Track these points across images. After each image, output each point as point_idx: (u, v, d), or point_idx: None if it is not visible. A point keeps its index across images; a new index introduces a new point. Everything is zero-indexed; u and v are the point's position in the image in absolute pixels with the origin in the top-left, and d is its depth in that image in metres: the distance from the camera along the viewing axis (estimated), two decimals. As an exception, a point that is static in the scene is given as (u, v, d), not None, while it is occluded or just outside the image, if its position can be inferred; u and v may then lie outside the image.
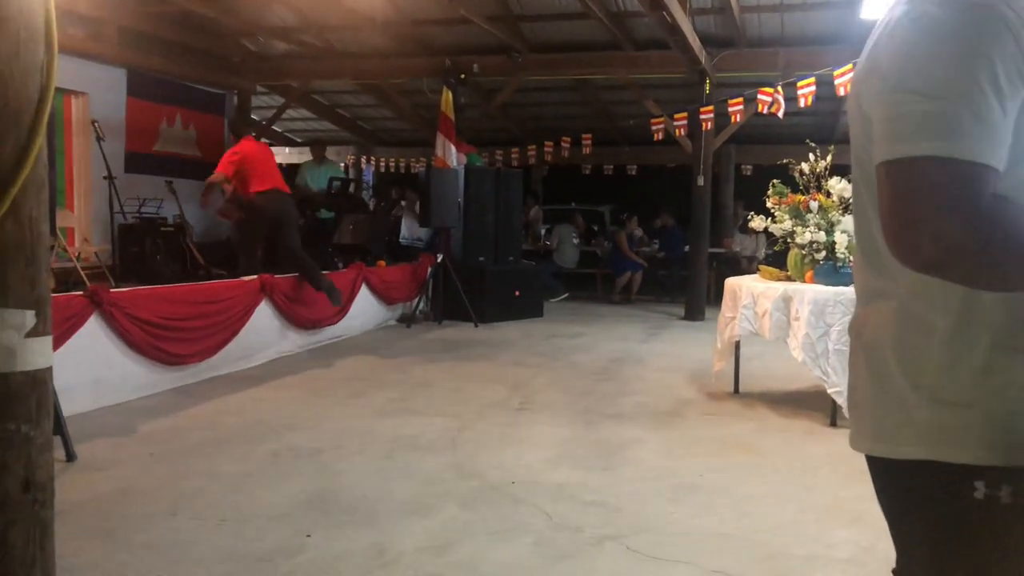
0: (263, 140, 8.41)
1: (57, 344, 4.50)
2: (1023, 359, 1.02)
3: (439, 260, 9.11)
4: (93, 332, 4.90)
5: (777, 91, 8.72)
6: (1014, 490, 1.00)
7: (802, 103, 8.65)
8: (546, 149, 12.51)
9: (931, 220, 0.91)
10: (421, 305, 9.31)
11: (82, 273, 6.98)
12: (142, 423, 4.64)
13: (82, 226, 8.82)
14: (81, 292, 4.91)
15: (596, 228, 14.84)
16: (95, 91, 9.02)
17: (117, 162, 8.30)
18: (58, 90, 7.95)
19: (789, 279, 5.20)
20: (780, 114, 8.90)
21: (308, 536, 3.08)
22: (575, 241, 12.83)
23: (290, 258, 7.21)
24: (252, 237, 7.36)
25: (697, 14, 8.86)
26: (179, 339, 5.51)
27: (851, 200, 1.26)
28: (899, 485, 1.10)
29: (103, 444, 4.20)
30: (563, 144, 12.01)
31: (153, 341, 5.27)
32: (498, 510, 3.40)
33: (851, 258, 4.85)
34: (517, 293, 9.62)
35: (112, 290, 5.17)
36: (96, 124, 7.52)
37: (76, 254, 7.87)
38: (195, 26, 9.97)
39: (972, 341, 1.03)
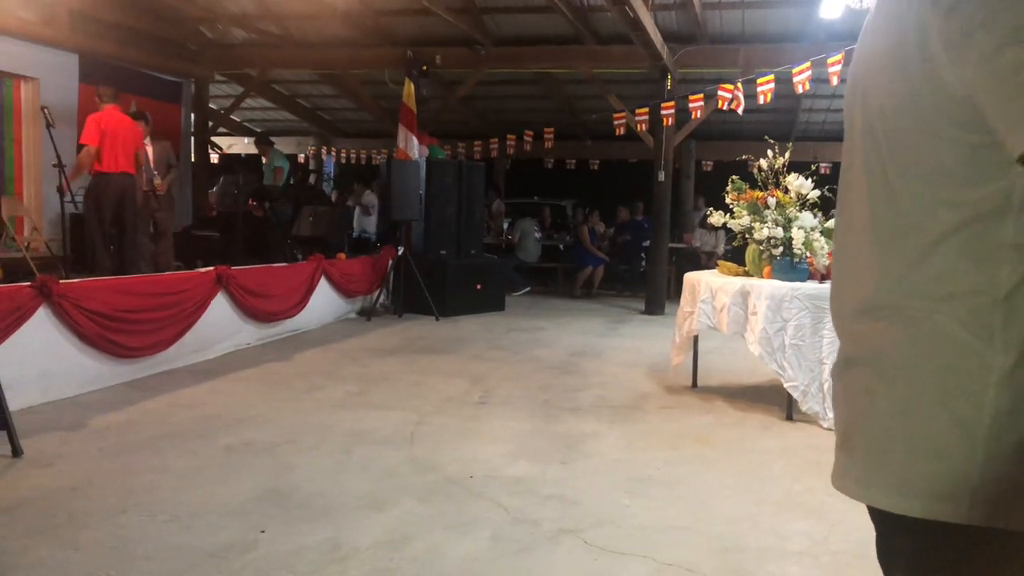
0: (140, 116, 7.86)
1: (3, 336, 4.38)
2: None
3: (400, 253, 9.05)
4: (42, 324, 4.77)
5: (737, 88, 8.81)
6: None
7: (761, 100, 8.75)
8: (508, 142, 12.49)
9: None
10: (381, 298, 9.25)
11: (31, 263, 6.79)
12: (92, 417, 4.53)
13: (32, 215, 8.59)
14: (29, 283, 4.78)
15: (559, 221, 14.89)
16: (46, 76, 8.79)
17: (69, 150, 8.08)
18: (8, 75, 7.74)
19: (747, 274, 5.26)
20: (740, 111, 8.99)
21: (262, 532, 3.03)
22: (537, 235, 12.85)
23: (130, 247, 7.11)
24: (98, 221, 7.02)
25: (659, 9, 8.91)
26: (132, 331, 5.40)
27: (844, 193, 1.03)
28: (937, 550, 0.89)
29: (51, 439, 4.10)
30: (526, 138, 12.01)
31: (105, 333, 5.15)
32: (456, 504, 3.38)
33: (807, 254, 4.95)
34: (479, 287, 9.60)
35: (62, 281, 5.04)
36: (46, 110, 7.31)
37: (25, 244, 7.67)
38: (151, 12, 9.76)
39: None
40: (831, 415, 4.61)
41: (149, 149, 8.05)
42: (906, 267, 0.90)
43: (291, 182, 9.93)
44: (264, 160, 10.38)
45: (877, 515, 0.95)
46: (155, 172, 8.00)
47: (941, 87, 0.84)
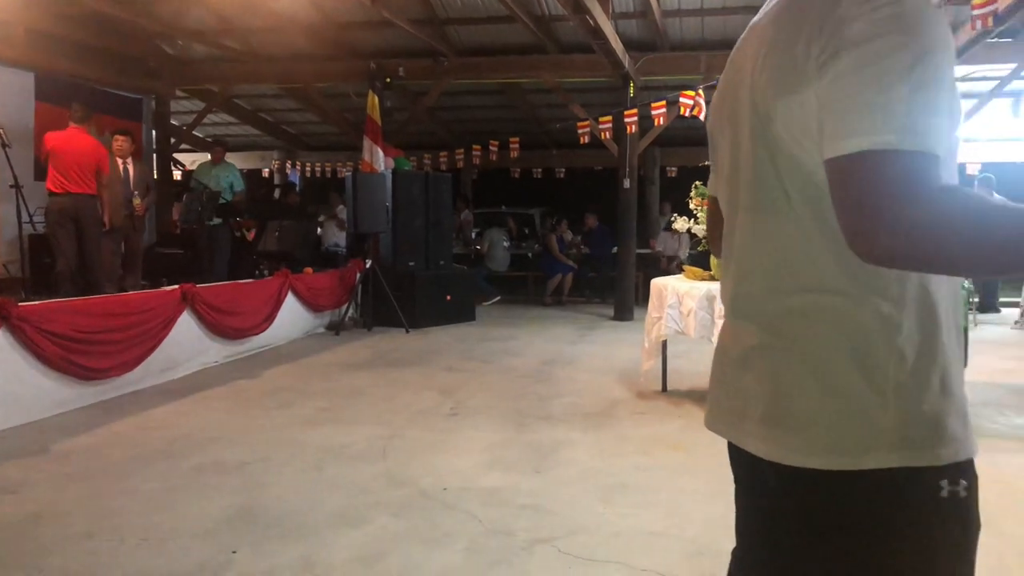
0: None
1: (-38, 362, 4.28)
2: (955, 350, 1.06)
3: (368, 266, 9.01)
4: (1, 348, 4.68)
5: (698, 94, 8.91)
6: (968, 484, 1.03)
7: (723, 106, 8.84)
8: (474, 153, 12.51)
9: (890, 212, 0.89)
10: (350, 312, 9.19)
11: (-10, 286, 6.66)
12: (57, 442, 4.45)
13: (-11, 237, 8.41)
14: (-12, 306, 4.68)
15: (527, 230, 14.92)
16: (1, 95, 8.62)
17: (26, 170, 7.95)
18: (-39, 95, 7.45)
19: (712, 279, 5.31)
20: (702, 116, 9.08)
21: (234, 552, 3.00)
22: (506, 244, 12.85)
23: (92, 267, 7.03)
24: (55, 240, 6.94)
25: (620, 18, 8.99)
26: (96, 353, 5.31)
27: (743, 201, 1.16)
28: (851, 497, 1.02)
29: (14, 466, 4.01)
30: (491, 148, 12.04)
31: (68, 356, 5.06)
32: (430, 518, 3.37)
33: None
34: (449, 297, 9.59)
35: (21, 304, 4.95)
36: (1, 130, 7.18)
37: (-17, 266, 7.52)
38: (109, 28, 9.63)
39: (928, 338, 1.03)
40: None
41: (130, 168, 7.98)
42: (800, 268, 1.06)
43: (228, 198, 9.44)
44: (208, 164, 9.84)
45: (789, 476, 1.06)
46: (135, 192, 7.92)
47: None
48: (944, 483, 1.01)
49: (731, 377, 1.19)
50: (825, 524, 1.04)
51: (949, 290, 1.06)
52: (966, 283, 5.67)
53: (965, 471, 1.03)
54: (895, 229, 0.88)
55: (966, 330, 5.47)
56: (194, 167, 15.34)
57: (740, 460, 1.20)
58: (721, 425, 1.23)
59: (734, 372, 1.18)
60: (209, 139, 13.24)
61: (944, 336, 1.04)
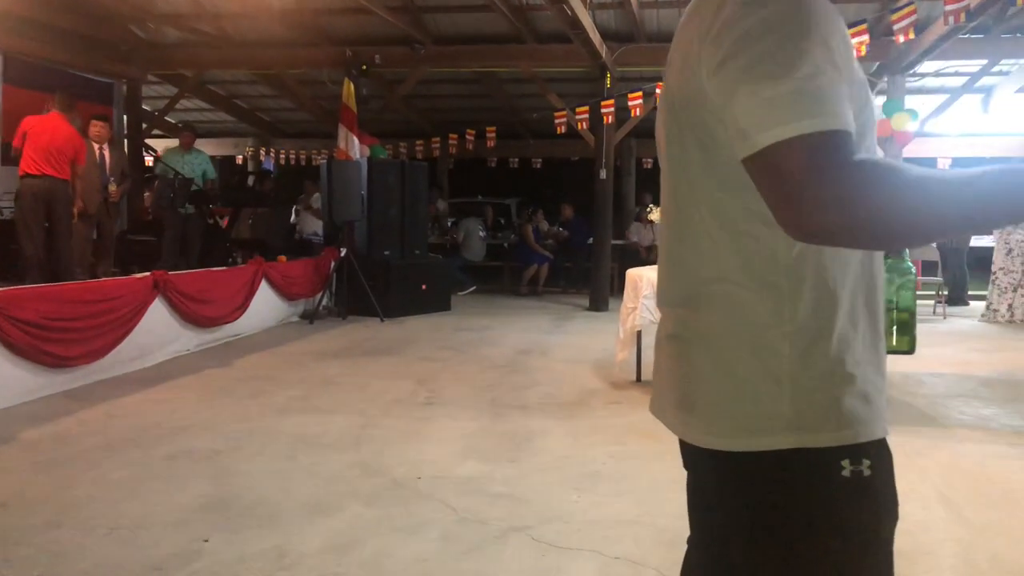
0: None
1: (-74, 348, 4.20)
2: (862, 335, 1.09)
3: (343, 254, 8.95)
4: (-33, 335, 4.60)
5: (675, 86, 8.92)
6: (872, 463, 1.06)
7: (699, 98, 8.87)
8: (451, 142, 12.46)
9: (812, 191, 0.91)
10: (325, 301, 9.13)
11: (-45, 272, 6.54)
12: (24, 430, 4.38)
13: (-45, 222, 8.25)
14: (-47, 292, 4.60)
15: (503, 220, 14.90)
16: (-34, 78, 8.46)
17: (-7, 153, 7.80)
18: (-75, 76, 7.31)
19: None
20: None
21: (205, 541, 2.97)
22: (482, 234, 12.83)
23: (62, 252, 6.97)
24: (26, 225, 6.89)
25: (597, 8, 8.98)
26: (66, 340, 5.24)
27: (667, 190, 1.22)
28: (756, 478, 1.07)
29: (-20, 454, 3.95)
30: (468, 137, 11.99)
31: (36, 343, 4.98)
32: (404, 506, 3.36)
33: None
34: (424, 287, 9.56)
35: (-12, 290, 4.87)
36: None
37: (-52, 252, 7.38)
38: (80, 11, 9.45)
39: (823, 325, 1.06)
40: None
41: (106, 154, 7.87)
42: (704, 260, 1.12)
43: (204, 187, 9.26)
44: (178, 151, 9.57)
45: (705, 460, 1.13)
46: (111, 178, 7.81)
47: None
48: (845, 463, 1.04)
49: (660, 364, 1.26)
50: (740, 501, 1.10)
51: (858, 278, 1.09)
52: (911, 264, 5.65)
53: (869, 451, 1.06)
54: (823, 205, 0.90)
55: (912, 315, 5.50)
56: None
57: (681, 442, 1.25)
58: (657, 409, 1.28)
59: (662, 359, 1.25)
60: (180, 125, 13.07)
61: (842, 323, 1.07)
